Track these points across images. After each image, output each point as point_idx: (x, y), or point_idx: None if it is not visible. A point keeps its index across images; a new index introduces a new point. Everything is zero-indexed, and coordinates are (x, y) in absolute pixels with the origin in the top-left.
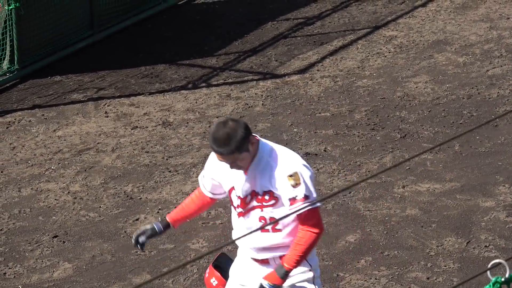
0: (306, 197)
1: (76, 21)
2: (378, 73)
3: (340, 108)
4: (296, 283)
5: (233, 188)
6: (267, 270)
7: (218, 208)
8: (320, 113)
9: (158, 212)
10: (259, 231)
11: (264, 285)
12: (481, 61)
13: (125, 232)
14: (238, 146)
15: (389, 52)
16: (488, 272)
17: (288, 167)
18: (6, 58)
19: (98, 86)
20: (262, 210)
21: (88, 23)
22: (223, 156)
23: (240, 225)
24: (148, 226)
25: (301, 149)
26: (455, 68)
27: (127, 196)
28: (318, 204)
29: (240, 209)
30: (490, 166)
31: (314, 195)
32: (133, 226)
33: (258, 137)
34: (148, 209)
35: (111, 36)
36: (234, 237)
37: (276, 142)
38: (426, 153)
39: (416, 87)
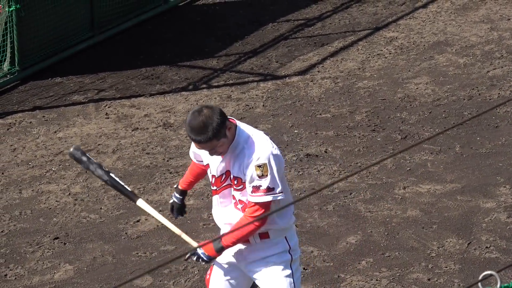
0: (269, 189)
1: (76, 23)
2: (379, 74)
3: (340, 109)
4: (271, 265)
5: (208, 165)
6: (247, 249)
7: None
8: (320, 114)
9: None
10: (232, 208)
11: (199, 253)
12: (482, 62)
13: (126, 233)
14: (215, 133)
15: (390, 53)
16: (480, 284)
17: (259, 157)
18: (6, 60)
19: (99, 87)
20: (234, 190)
21: (88, 24)
22: (201, 144)
23: (215, 202)
24: (170, 201)
25: (301, 150)
26: (455, 69)
27: None
28: (280, 197)
29: (214, 187)
30: (490, 167)
31: (279, 188)
32: (134, 228)
33: (235, 121)
34: None
35: (112, 37)
36: (213, 214)
37: (276, 143)
38: (426, 154)
39: (417, 88)
